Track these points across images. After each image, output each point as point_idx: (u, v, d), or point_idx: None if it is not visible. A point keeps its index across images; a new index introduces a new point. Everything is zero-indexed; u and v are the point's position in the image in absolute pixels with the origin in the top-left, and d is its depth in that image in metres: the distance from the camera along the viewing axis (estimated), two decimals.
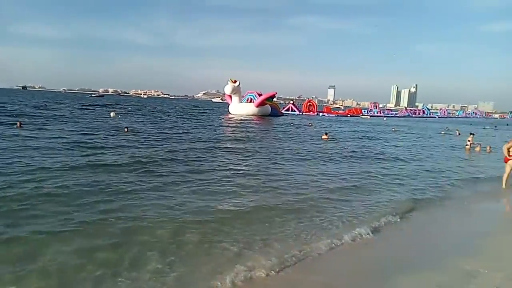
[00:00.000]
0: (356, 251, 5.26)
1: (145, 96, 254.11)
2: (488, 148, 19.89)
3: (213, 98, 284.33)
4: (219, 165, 11.24)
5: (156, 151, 13.43)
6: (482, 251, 5.26)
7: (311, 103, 72.81)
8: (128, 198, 7.02)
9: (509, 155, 10.19)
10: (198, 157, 12.63)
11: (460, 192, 9.68)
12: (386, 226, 6.39)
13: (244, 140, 18.88)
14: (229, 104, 49.93)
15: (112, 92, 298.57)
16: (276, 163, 12.55)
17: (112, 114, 35.15)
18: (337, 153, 16.03)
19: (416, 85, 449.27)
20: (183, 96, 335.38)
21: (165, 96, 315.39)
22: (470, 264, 4.68)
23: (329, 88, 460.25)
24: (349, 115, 73.94)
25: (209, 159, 12.45)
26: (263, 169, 11.09)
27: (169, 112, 49.66)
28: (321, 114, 68.93)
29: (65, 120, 26.03)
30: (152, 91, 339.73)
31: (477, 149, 19.97)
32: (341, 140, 22.93)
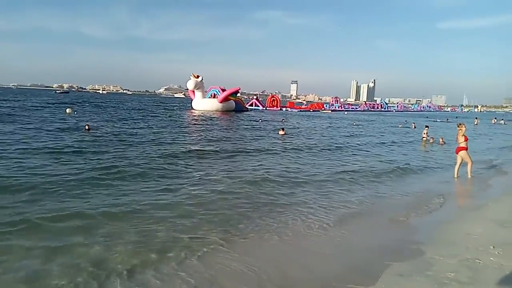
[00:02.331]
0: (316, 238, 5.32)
1: (104, 92, 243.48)
2: (441, 140, 20.95)
3: (175, 93, 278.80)
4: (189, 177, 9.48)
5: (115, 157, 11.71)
6: (437, 239, 5.49)
7: (274, 98, 73.26)
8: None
9: (460, 143, 10.79)
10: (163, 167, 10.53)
11: (417, 183, 10.09)
12: (345, 217, 6.54)
13: (213, 141, 17.53)
14: (192, 100, 49.19)
15: (67, 88, 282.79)
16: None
17: (68, 110, 33.40)
18: (294, 148, 16.26)
19: (374, 80, 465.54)
20: (143, 92, 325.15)
21: (124, 91, 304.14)
22: (429, 252, 4.87)
23: (291, 83, 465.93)
24: (311, 110, 75.24)
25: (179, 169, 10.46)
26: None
27: (130, 109, 48.05)
28: (284, 109, 69.62)
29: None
30: (111, 87, 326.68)
31: (432, 141, 21.01)
32: (302, 135, 23.28)
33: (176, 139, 17.57)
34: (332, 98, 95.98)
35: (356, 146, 18.13)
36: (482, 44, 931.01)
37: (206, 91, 49.98)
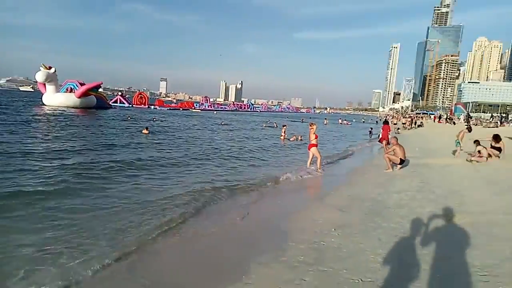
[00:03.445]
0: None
1: None
2: (299, 137, 23.38)
3: (20, 86, 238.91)
4: None
5: None
6: (290, 228, 6.07)
7: (142, 95, 69.96)
8: None
9: (311, 140, 12.22)
10: None
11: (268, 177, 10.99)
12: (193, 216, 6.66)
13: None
14: (42, 94, 42.87)
15: None
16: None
17: None
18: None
19: (242, 81, 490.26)
20: None
21: None
22: (283, 240, 5.34)
23: (161, 80, 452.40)
24: (181, 109, 74.50)
25: None
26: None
27: None
28: (152, 107, 67.10)
29: None
30: None
31: (292, 139, 23.19)
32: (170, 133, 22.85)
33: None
34: (202, 97, 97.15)
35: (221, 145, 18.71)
36: (331, 54, 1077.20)
37: (61, 85, 44.28)
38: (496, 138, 12.91)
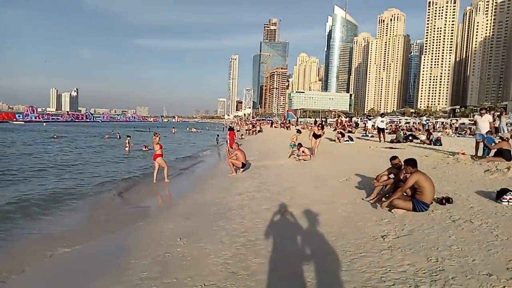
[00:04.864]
0: None
1: None
2: (144, 147, 22.45)
3: None
4: None
5: None
6: (133, 244, 5.76)
7: None
8: None
9: (156, 150, 11.93)
10: None
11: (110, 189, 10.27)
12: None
13: None
14: None
15: None
16: None
17: None
18: None
19: (77, 88, 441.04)
20: None
21: None
22: (124, 259, 5.00)
23: None
24: None
25: None
26: None
27: None
28: None
29: None
30: None
31: (144, 149, 21.99)
32: None
33: None
34: (27, 107, 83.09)
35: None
36: (178, 62, 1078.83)
37: None
38: (316, 137, 15.58)
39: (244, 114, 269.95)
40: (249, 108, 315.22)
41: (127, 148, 22.55)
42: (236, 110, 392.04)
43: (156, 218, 7.34)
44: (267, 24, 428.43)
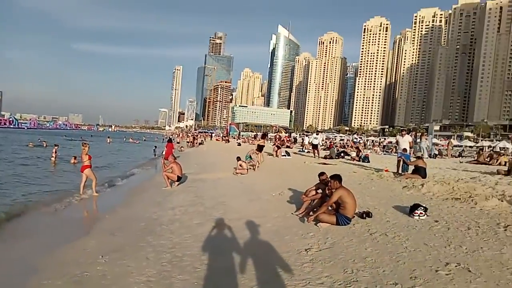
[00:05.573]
0: None
1: None
2: (73, 159, 20.89)
3: None
4: None
5: None
6: (49, 264, 5.34)
7: None
8: None
9: (84, 161, 11.23)
10: None
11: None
12: None
13: None
14: None
15: None
16: None
17: None
18: None
19: (1, 92, 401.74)
20: None
21: None
22: (35, 280, 4.61)
23: None
24: None
25: None
26: None
27: None
28: None
29: None
30: None
31: (72, 161, 20.18)
32: None
33: None
34: None
35: None
36: (117, 70, 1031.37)
37: None
38: (260, 149, 16.17)
39: (186, 126, 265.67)
40: (192, 120, 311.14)
41: (53, 159, 20.90)
42: (178, 121, 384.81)
43: (78, 235, 6.87)
44: (213, 38, 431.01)
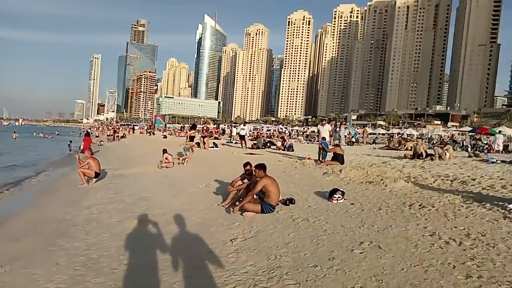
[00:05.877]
0: None
1: None
2: None
3: None
4: None
5: None
6: None
7: None
8: None
9: None
10: None
11: None
12: None
13: None
14: None
15: None
16: None
17: None
18: None
19: None
20: None
21: None
22: None
23: None
24: None
25: None
26: None
27: None
28: None
29: None
30: None
31: None
32: None
33: None
34: None
35: None
36: (25, 58, 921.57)
37: None
38: (192, 139, 16.34)
39: (107, 118, 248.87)
40: (113, 112, 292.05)
41: None
42: (98, 113, 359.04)
43: None
44: (135, 25, 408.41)
